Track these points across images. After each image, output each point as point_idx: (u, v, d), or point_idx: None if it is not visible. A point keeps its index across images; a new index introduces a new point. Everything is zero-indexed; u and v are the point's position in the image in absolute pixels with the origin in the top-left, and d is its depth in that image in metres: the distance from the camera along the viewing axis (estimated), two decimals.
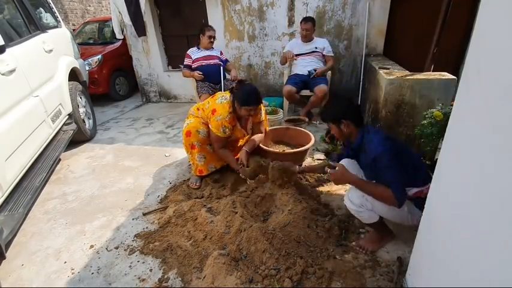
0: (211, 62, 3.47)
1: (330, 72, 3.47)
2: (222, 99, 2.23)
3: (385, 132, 1.61)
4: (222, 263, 1.53)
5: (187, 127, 2.29)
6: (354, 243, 1.70)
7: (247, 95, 2.11)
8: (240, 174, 2.27)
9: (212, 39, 3.48)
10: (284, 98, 3.50)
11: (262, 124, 2.46)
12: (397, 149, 1.45)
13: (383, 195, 1.41)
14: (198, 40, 3.55)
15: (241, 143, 2.47)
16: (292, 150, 2.50)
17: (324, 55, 3.44)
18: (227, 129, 2.18)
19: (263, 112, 2.46)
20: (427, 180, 1.43)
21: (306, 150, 2.43)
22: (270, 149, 2.58)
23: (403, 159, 1.44)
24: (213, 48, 3.56)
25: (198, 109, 2.41)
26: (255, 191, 2.19)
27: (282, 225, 1.75)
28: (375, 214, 1.53)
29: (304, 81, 3.37)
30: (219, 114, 2.14)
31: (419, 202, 1.42)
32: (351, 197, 1.56)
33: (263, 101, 3.65)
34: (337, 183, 1.57)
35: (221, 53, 3.62)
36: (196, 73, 3.41)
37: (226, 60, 3.66)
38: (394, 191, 1.37)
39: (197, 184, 2.37)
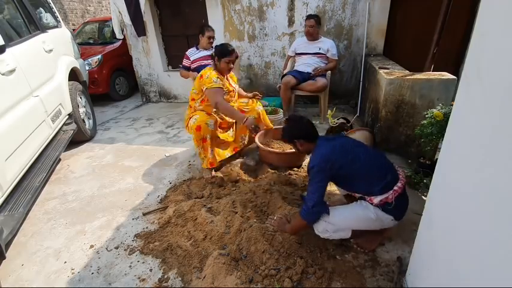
0: (211, 62, 3.47)
1: (329, 71, 3.47)
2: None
3: (342, 140, 1.65)
4: (222, 263, 1.53)
5: (196, 122, 2.36)
6: (352, 240, 1.72)
7: (222, 47, 2.43)
8: (246, 124, 2.36)
9: (211, 40, 3.47)
10: (280, 94, 3.46)
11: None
12: (335, 165, 1.50)
13: (300, 224, 1.58)
14: (197, 40, 3.54)
15: (233, 103, 2.59)
16: (292, 150, 2.50)
17: (327, 57, 3.43)
18: (219, 79, 2.38)
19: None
20: (391, 184, 1.50)
21: None
22: (270, 149, 2.58)
23: (344, 174, 1.53)
24: (212, 48, 3.56)
25: (190, 107, 2.53)
26: (255, 191, 2.20)
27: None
28: (344, 231, 1.58)
29: (305, 79, 3.37)
30: (205, 74, 2.39)
31: (388, 207, 1.50)
32: (314, 227, 1.61)
33: (262, 100, 3.68)
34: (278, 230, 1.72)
35: None
36: (195, 73, 3.40)
37: None
38: (301, 212, 1.53)
39: (212, 176, 2.44)
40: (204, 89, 2.36)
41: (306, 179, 2.36)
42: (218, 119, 2.51)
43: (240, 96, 2.74)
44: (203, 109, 2.48)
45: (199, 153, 2.47)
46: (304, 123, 1.71)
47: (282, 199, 2.01)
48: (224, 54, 2.39)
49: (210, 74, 2.38)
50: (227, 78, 2.55)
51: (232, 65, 2.46)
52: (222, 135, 2.55)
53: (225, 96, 2.43)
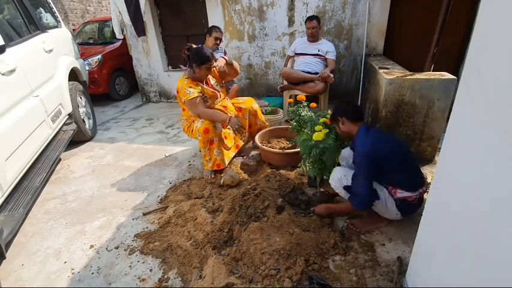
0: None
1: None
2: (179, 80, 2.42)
3: (383, 133, 1.76)
4: (222, 263, 1.53)
5: (203, 125, 2.33)
6: (348, 220, 1.85)
7: (201, 53, 2.28)
8: (228, 126, 2.36)
9: (218, 41, 3.40)
10: (282, 89, 3.53)
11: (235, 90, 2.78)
12: (382, 156, 1.57)
13: (346, 209, 1.80)
14: (203, 40, 3.48)
15: (222, 105, 2.57)
16: (292, 150, 2.50)
17: (326, 58, 3.43)
18: (192, 89, 2.31)
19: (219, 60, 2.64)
20: (419, 186, 1.61)
21: None
22: (270, 149, 2.58)
23: (388, 166, 1.59)
24: (217, 49, 3.51)
25: (186, 119, 2.53)
26: (254, 191, 2.19)
27: (281, 224, 1.75)
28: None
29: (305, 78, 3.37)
30: (178, 86, 2.36)
31: (403, 204, 1.61)
32: (332, 176, 1.77)
33: (262, 100, 3.68)
34: (319, 213, 1.87)
35: (225, 53, 3.59)
36: None
37: None
38: (351, 201, 1.66)
39: (212, 177, 2.45)
40: (183, 102, 2.35)
41: (304, 179, 2.36)
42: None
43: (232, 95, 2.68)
44: None
45: (204, 155, 2.44)
46: (349, 101, 1.84)
47: (282, 199, 2.01)
48: (204, 61, 2.27)
49: (183, 85, 2.31)
50: (206, 81, 2.49)
51: (212, 70, 2.37)
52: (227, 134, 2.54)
53: (207, 103, 2.40)
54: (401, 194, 1.60)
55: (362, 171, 1.60)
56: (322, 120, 2.03)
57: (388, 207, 1.64)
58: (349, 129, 1.75)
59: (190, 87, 2.30)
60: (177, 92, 2.39)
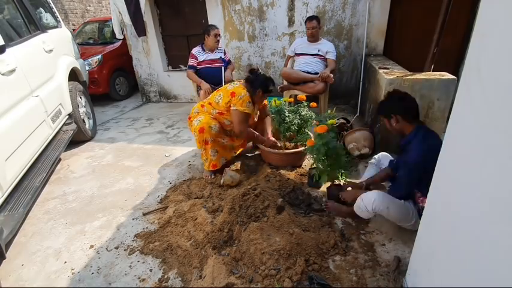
0: (214, 65, 3.46)
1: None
2: (233, 84, 2.39)
3: (438, 138, 1.64)
4: (222, 263, 1.53)
5: (200, 124, 2.34)
6: (327, 201, 1.99)
7: (268, 83, 2.36)
8: (265, 144, 2.55)
9: (218, 38, 3.42)
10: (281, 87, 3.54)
11: (266, 106, 2.68)
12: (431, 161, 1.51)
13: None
14: (202, 40, 3.48)
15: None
16: (292, 150, 2.51)
17: (326, 58, 3.43)
18: (251, 104, 2.32)
19: None
20: None
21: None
22: (270, 149, 2.58)
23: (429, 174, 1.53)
24: (218, 48, 3.52)
25: (202, 106, 2.49)
26: (254, 191, 2.19)
27: (281, 224, 1.75)
28: (370, 215, 1.73)
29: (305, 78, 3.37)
30: (239, 94, 2.29)
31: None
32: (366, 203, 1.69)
33: None
34: (348, 200, 1.86)
35: (225, 53, 3.59)
36: (206, 84, 3.33)
37: (229, 61, 3.63)
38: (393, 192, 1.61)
39: (212, 177, 2.46)
40: (232, 108, 2.31)
41: (304, 179, 2.36)
42: (220, 124, 2.46)
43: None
44: (215, 117, 2.43)
45: (201, 154, 2.48)
46: (410, 99, 1.65)
47: (282, 199, 2.01)
48: (269, 91, 2.36)
49: (244, 96, 2.27)
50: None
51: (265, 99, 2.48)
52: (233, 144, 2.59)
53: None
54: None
55: (407, 177, 1.59)
56: (330, 121, 1.98)
57: (415, 217, 1.63)
58: (402, 128, 1.66)
59: (250, 102, 2.31)
60: (232, 94, 2.30)
